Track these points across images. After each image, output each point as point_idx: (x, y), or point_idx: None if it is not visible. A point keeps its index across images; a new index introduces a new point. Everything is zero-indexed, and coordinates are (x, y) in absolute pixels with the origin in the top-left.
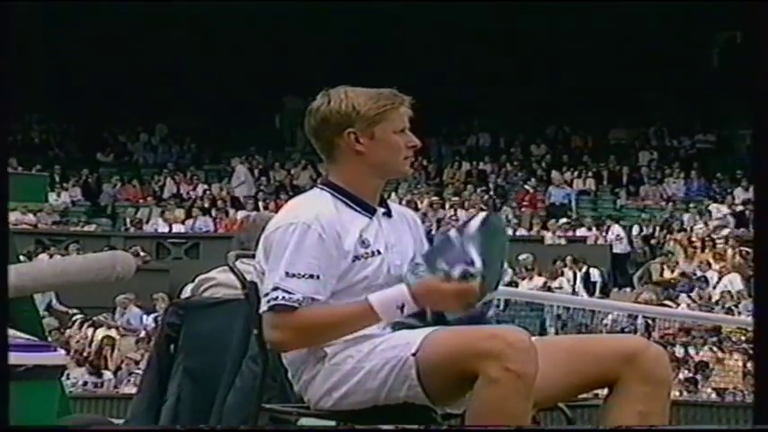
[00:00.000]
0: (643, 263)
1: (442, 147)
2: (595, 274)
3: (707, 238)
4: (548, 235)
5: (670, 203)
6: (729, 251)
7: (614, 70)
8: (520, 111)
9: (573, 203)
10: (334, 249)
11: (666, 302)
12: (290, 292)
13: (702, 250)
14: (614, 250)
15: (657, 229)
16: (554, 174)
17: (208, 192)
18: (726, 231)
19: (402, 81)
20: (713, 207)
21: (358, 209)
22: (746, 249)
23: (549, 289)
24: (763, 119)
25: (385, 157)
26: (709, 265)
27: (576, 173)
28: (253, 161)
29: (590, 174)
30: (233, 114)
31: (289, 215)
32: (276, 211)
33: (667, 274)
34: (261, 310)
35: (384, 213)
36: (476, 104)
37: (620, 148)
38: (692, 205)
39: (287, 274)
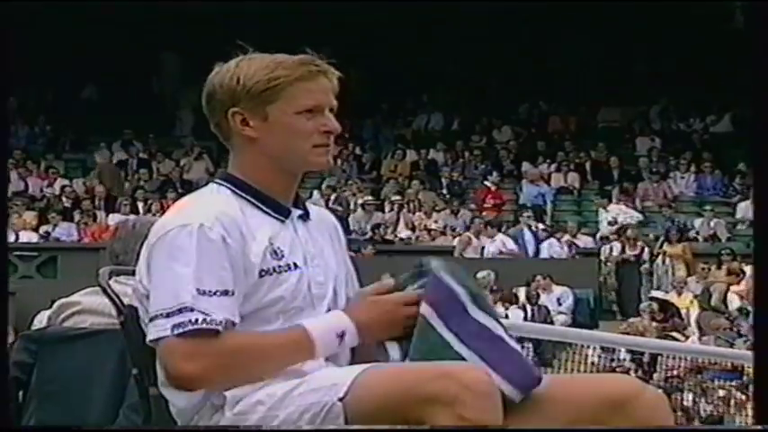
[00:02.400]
0: (641, 283)
1: (380, 130)
2: (579, 297)
3: (723, 251)
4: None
5: (676, 204)
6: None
7: (604, 32)
8: (481, 84)
9: (549, 205)
10: (241, 259)
11: (672, 334)
12: (206, 313)
13: (718, 266)
14: (604, 265)
15: (660, 237)
16: (525, 166)
17: (68, 188)
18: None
19: (328, 43)
20: (729, 209)
21: (266, 209)
22: None
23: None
24: (763, 119)
25: (282, 144)
26: (727, 285)
27: (553, 165)
28: (130, 148)
29: (572, 166)
30: (101, 85)
31: (179, 217)
32: (161, 214)
33: (673, 297)
34: (157, 337)
35: (300, 216)
36: (425, 75)
37: (612, 132)
38: (705, 207)
39: (198, 291)
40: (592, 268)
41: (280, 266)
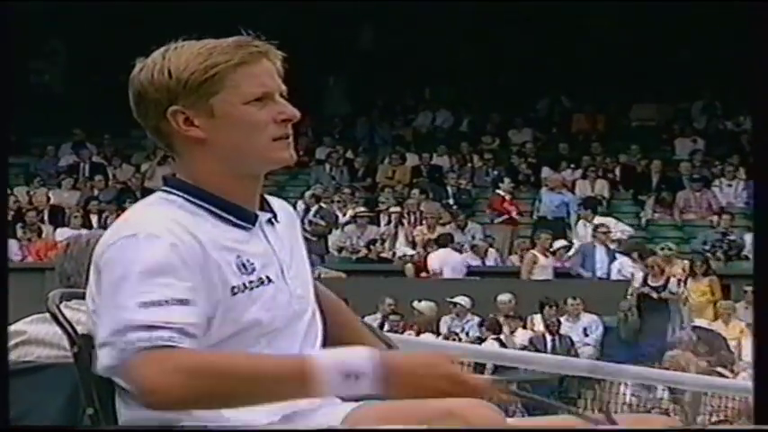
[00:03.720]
0: (681, 309)
1: (375, 129)
2: (609, 326)
3: None
4: (536, 264)
5: (724, 217)
6: None
7: (640, 17)
8: (494, 75)
9: (573, 216)
10: (202, 272)
11: (718, 369)
12: (167, 327)
13: None
14: (636, 289)
15: (704, 255)
16: (545, 171)
17: (11, 197)
18: None
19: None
20: None
21: (228, 217)
22: None
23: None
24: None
25: (236, 141)
26: None
27: (578, 170)
28: (82, 151)
29: (600, 171)
30: (47, 75)
31: (125, 227)
32: None
33: (719, 327)
34: (111, 365)
35: (269, 221)
36: (430, 66)
37: (647, 132)
38: None
39: (143, 303)
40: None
41: (251, 282)
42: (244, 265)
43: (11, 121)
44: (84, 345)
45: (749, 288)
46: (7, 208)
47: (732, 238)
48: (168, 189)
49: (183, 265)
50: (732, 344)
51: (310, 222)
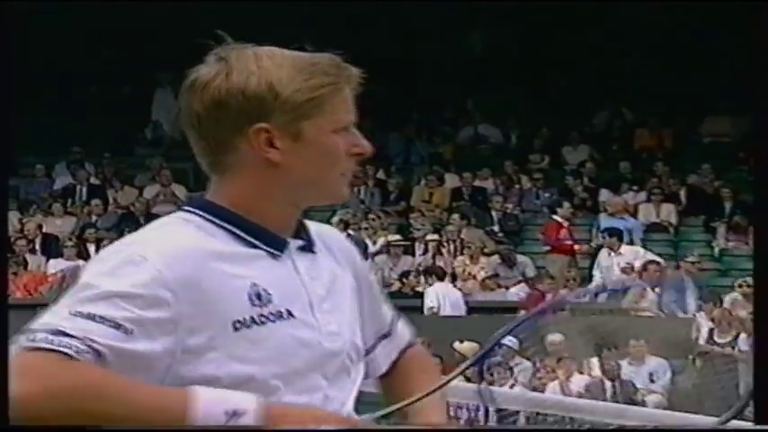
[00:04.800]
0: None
1: (411, 147)
2: (677, 371)
3: None
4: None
5: None
6: None
7: (712, 16)
8: (544, 85)
9: (637, 244)
10: (177, 306)
11: None
12: (78, 338)
13: None
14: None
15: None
16: (604, 193)
17: None
18: None
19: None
20: None
21: (253, 240)
22: None
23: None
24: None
25: (312, 169)
26: None
27: (642, 192)
28: (78, 172)
29: (666, 193)
30: (40, 87)
31: (129, 237)
32: None
33: None
34: (14, 350)
35: (302, 248)
36: (470, 73)
37: (721, 149)
38: None
39: (76, 313)
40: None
41: (262, 316)
42: (258, 296)
43: (12, 124)
44: None
45: None
46: (7, 208)
47: None
48: (189, 209)
49: (154, 300)
50: None
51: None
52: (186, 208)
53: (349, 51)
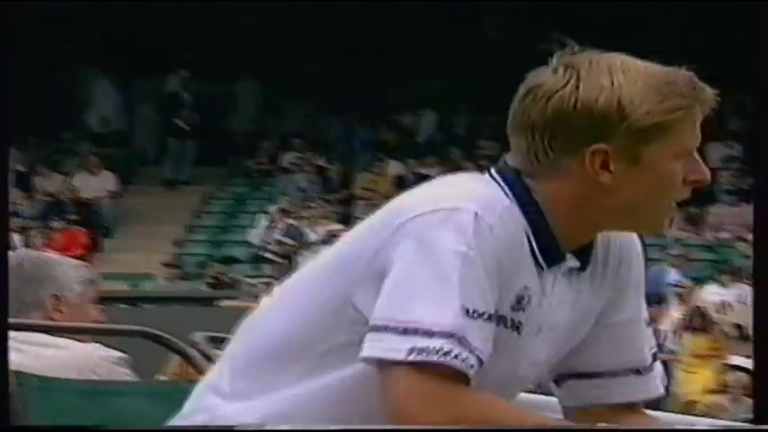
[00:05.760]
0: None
1: (353, 133)
2: None
3: None
4: None
5: None
6: None
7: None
8: (489, 69)
9: None
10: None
11: None
12: (465, 346)
13: None
14: None
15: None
16: None
17: None
18: None
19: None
20: None
21: (536, 245)
22: None
23: None
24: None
25: (643, 198)
26: None
27: None
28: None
29: None
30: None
31: (441, 199)
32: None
33: None
34: (383, 357)
35: (576, 269)
36: (416, 58)
37: None
38: None
39: (465, 310)
40: None
41: (511, 321)
42: (520, 299)
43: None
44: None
45: None
46: (8, 207)
47: None
48: (505, 182)
49: (496, 270)
50: None
51: (277, 242)
52: (500, 179)
53: (290, 35)
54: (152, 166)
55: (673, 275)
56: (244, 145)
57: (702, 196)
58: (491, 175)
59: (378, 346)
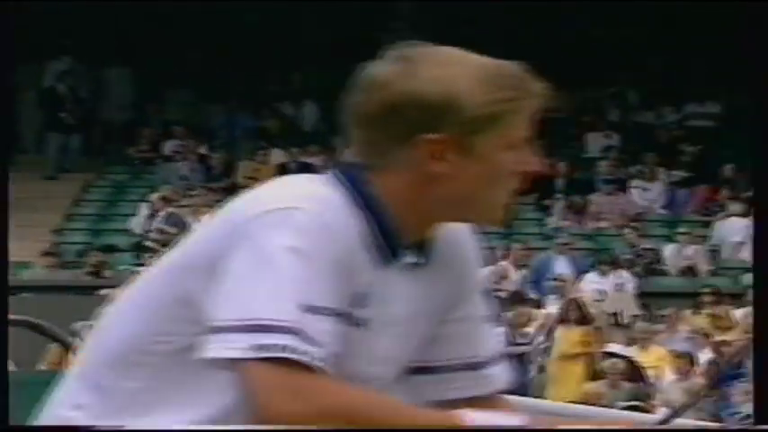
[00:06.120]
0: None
1: (235, 120)
2: None
3: (704, 289)
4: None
5: (641, 225)
6: (740, 312)
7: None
8: (363, 58)
9: None
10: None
11: (636, 404)
12: (311, 341)
13: (696, 310)
14: None
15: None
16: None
17: None
18: None
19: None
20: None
21: (376, 241)
22: None
23: None
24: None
25: (477, 188)
26: (709, 337)
27: None
28: None
29: None
30: None
31: (278, 199)
32: None
33: (635, 353)
34: (229, 357)
35: (416, 264)
36: (297, 47)
37: (553, 125)
38: (679, 229)
39: (304, 306)
40: None
41: (356, 319)
42: (360, 296)
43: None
44: None
45: (668, 310)
46: (7, 210)
47: (649, 248)
48: (339, 178)
49: (341, 264)
50: (650, 373)
51: (159, 231)
52: (335, 173)
53: (170, 21)
54: (33, 154)
55: (558, 265)
56: (123, 133)
57: (582, 186)
58: (331, 174)
59: (222, 346)
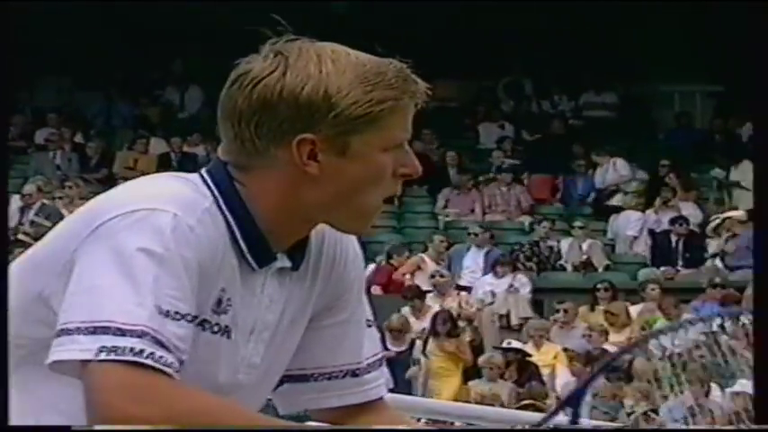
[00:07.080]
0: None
1: (113, 108)
2: None
3: (600, 285)
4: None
5: (536, 217)
6: (637, 309)
7: None
8: (254, 43)
9: None
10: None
11: (532, 402)
12: (161, 345)
13: (592, 307)
14: None
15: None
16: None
17: None
18: None
19: None
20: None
21: (243, 246)
22: None
23: None
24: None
25: (351, 189)
26: (604, 333)
27: None
28: None
29: None
30: None
31: (141, 199)
32: None
33: (530, 349)
34: (73, 358)
35: (288, 268)
36: (178, 30)
37: (446, 115)
38: (575, 223)
39: (157, 310)
40: None
41: (217, 325)
42: (220, 302)
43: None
44: None
45: (564, 305)
46: (7, 206)
47: (546, 243)
48: (210, 181)
49: (196, 271)
50: (545, 372)
51: (31, 223)
52: (207, 178)
53: (44, 5)
54: None
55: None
56: None
57: (476, 177)
58: (201, 174)
59: (67, 348)
